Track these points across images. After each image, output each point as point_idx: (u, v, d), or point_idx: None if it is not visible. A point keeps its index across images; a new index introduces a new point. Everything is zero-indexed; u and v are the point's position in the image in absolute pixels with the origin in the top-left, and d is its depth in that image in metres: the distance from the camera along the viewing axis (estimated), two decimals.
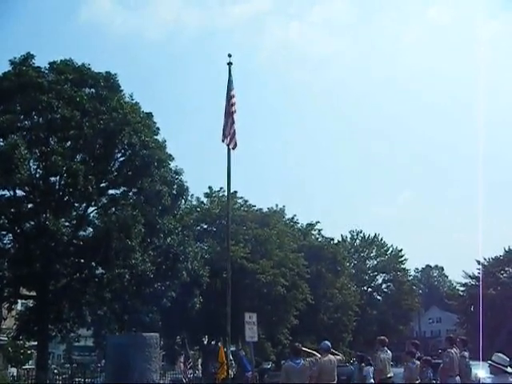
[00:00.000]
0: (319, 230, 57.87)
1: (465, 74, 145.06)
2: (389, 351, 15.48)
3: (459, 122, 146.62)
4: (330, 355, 14.00)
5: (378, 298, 74.90)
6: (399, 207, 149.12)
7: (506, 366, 9.68)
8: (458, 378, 15.28)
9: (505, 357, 9.79)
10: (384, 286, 75.45)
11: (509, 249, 66.35)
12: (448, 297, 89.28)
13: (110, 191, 28.73)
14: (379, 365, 15.26)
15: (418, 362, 15.87)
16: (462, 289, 74.20)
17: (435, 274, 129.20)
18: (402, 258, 73.68)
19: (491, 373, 10.00)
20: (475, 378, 16.63)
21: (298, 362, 13.40)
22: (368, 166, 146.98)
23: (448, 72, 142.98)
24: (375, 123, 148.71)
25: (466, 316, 67.20)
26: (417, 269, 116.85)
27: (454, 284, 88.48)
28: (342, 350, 48.92)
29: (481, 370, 16.61)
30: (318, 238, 57.20)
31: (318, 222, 57.76)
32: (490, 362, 9.95)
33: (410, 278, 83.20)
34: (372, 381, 19.29)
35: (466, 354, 16.19)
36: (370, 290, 74.11)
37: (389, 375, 15.05)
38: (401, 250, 73.65)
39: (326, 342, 14.64)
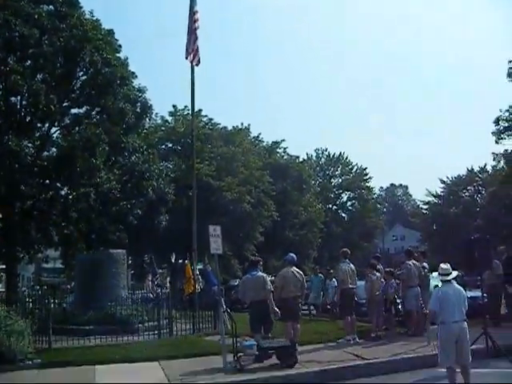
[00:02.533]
0: (284, 149, 58.38)
1: None
2: (351, 264, 15.74)
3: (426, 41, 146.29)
4: (294, 267, 14.35)
5: (343, 215, 76.03)
6: (367, 129, 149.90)
7: (447, 275, 10.08)
8: (418, 288, 15.73)
9: (447, 266, 10.19)
10: (349, 203, 76.55)
11: (471, 168, 67.55)
12: (411, 215, 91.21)
13: (73, 110, 28.21)
14: (341, 275, 15.55)
15: (378, 274, 16.32)
16: (425, 207, 75.74)
17: (399, 193, 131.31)
18: (367, 177, 74.49)
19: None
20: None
21: (253, 273, 13.81)
22: (337, 84, 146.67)
23: None
24: (350, 34, 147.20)
25: (428, 233, 68.82)
26: (382, 187, 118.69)
27: (418, 203, 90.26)
28: (308, 266, 50.02)
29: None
30: (283, 157, 57.61)
31: (284, 140, 58.18)
32: (437, 273, 10.41)
33: (375, 196, 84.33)
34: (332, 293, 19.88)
35: (426, 265, 16.70)
36: (334, 207, 75.12)
37: (351, 286, 15.36)
38: (365, 169, 74.43)
39: (291, 254, 14.99)
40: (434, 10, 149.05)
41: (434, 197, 70.70)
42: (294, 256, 14.86)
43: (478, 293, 15.80)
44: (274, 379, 11.13)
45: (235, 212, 41.32)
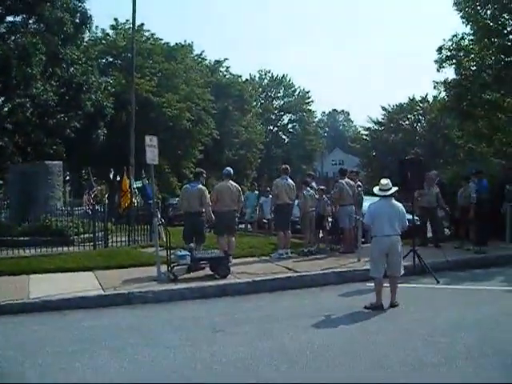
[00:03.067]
0: (227, 68, 57.96)
1: None
2: (290, 180, 15.70)
3: None
4: (230, 181, 14.44)
5: (284, 137, 76.30)
6: (312, 52, 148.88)
7: (387, 190, 10.19)
8: (351, 207, 15.88)
9: (387, 181, 10.28)
10: (290, 126, 76.72)
11: (413, 97, 68.08)
12: (352, 140, 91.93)
13: (9, 18, 27.19)
14: (275, 190, 15.54)
15: (312, 191, 16.41)
16: (365, 133, 76.38)
17: (341, 119, 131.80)
18: (309, 100, 74.52)
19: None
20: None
21: (193, 185, 13.93)
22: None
23: None
24: None
25: (367, 159, 69.63)
26: (323, 112, 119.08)
27: (359, 129, 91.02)
28: (246, 185, 50.36)
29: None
30: (225, 75, 57.17)
31: (227, 58, 57.99)
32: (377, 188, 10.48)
33: (316, 120, 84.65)
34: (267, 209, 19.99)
35: (360, 183, 16.94)
36: (275, 129, 75.23)
37: (288, 201, 15.40)
38: (308, 92, 74.43)
39: (228, 168, 15.06)
40: None
41: (375, 123, 71.26)
42: (231, 170, 14.91)
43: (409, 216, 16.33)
44: (206, 289, 11.37)
45: (175, 129, 41.01)
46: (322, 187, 17.43)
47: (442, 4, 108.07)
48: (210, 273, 12.26)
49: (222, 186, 14.38)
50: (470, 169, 17.66)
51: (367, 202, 14.36)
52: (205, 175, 14.51)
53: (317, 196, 16.36)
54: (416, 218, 15.23)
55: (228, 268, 12.32)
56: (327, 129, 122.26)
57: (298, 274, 12.64)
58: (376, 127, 69.68)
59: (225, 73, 57.56)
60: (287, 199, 15.45)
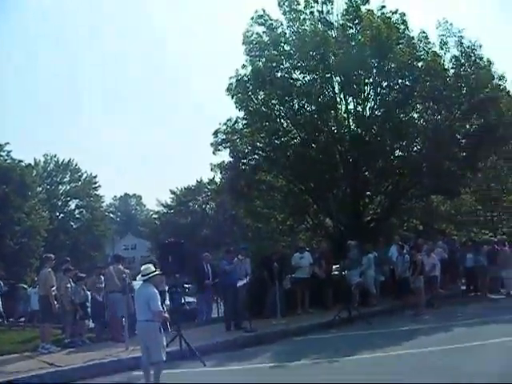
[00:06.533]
0: (8, 152, 56.21)
1: None
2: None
3: None
4: None
5: (71, 223, 74.12)
6: (102, 137, 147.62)
7: (144, 275, 10.05)
8: (120, 294, 15.25)
9: (146, 266, 10.19)
10: (77, 211, 74.84)
11: (201, 180, 69.88)
12: (142, 224, 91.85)
13: None
14: (42, 280, 14.73)
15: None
16: (155, 216, 76.79)
17: (133, 203, 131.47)
18: (96, 185, 73.65)
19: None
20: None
21: None
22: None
23: None
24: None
25: (156, 242, 69.64)
26: (115, 196, 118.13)
27: (150, 212, 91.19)
28: (30, 275, 47.71)
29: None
30: (6, 160, 55.21)
31: (8, 143, 56.12)
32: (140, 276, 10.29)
33: (105, 204, 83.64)
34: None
35: (127, 271, 16.36)
36: (62, 215, 72.91)
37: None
38: (95, 176, 73.63)
39: None
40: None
41: (164, 207, 71.95)
42: None
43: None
44: None
45: None
46: (82, 274, 16.85)
47: (217, 89, 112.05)
48: None
49: None
50: (239, 248, 17.90)
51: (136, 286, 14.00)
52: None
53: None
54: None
55: None
56: (119, 213, 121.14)
57: (61, 368, 11.73)
58: (165, 210, 70.32)
59: (5, 157, 55.43)
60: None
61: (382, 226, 25.30)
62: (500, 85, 23.57)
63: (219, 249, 30.49)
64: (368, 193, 25.22)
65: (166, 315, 10.71)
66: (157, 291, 10.03)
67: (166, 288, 16.75)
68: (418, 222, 28.11)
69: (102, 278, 16.39)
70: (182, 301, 17.62)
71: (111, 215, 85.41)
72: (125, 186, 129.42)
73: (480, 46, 23.05)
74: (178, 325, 12.65)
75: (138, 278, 10.39)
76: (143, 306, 9.78)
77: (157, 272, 10.37)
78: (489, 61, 23.33)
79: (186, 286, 23.17)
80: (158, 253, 17.50)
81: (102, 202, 79.96)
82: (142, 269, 10.16)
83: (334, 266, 19.80)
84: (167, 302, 16.66)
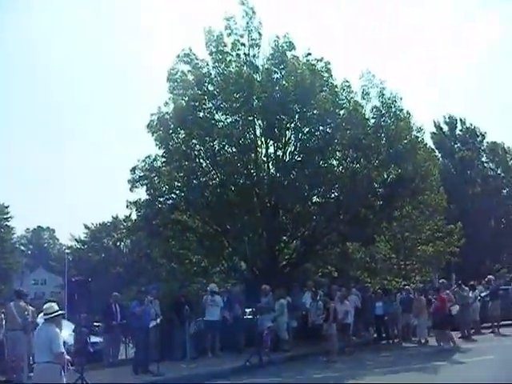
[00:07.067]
0: None
1: None
2: None
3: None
4: None
5: None
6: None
7: (46, 314, 9.53)
8: (21, 332, 14.54)
9: (49, 305, 9.66)
10: None
11: (116, 216, 68.73)
12: (55, 259, 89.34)
13: None
14: None
15: None
16: (68, 251, 74.81)
17: (46, 236, 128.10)
18: (8, 215, 71.02)
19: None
20: None
21: None
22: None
23: None
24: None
25: (68, 279, 67.78)
26: (28, 229, 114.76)
27: (63, 247, 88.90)
28: None
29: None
30: None
31: None
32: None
33: (16, 236, 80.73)
34: None
35: (31, 308, 15.56)
36: None
37: None
38: (7, 207, 70.95)
39: None
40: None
41: (78, 242, 70.24)
42: None
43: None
44: None
45: None
46: None
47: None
48: None
49: None
50: (149, 288, 17.44)
51: None
52: None
53: None
54: None
55: None
56: (31, 246, 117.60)
57: None
58: (78, 246, 68.64)
59: None
60: None
61: (297, 271, 25.25)
62: (418, 137, 24.26)
63: (132, 288, 29.74)
64: (284, 237, 25.15)
65: (68, 357, 10.12)
66: (59, 331, 9.50)
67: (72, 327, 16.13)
68: (333, 269, 28.19)
69: (3, 315, 15.58)
70: (88, 341, 16.98)
71: (22, 247, 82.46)
72: (38, 218, 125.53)
73: (400, 98, 23.71)
74: (82, 366, 12.11)
75: (39, 317, 9.73)
76: (43, 347, 9.26)
77: (60, 312, 9.83)
78: (408, 113, 23.98)
79: (96, 324, 22.34)
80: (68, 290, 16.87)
81: (13, 234, 77.14)
82: (44, 307, 9.68)
83: (247, 310, 19.66)
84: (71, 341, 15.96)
